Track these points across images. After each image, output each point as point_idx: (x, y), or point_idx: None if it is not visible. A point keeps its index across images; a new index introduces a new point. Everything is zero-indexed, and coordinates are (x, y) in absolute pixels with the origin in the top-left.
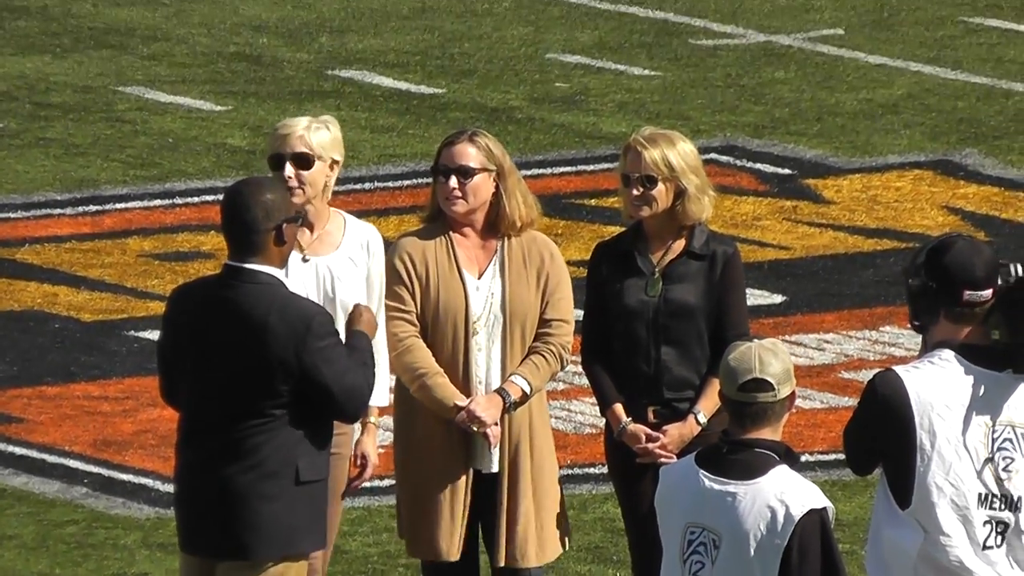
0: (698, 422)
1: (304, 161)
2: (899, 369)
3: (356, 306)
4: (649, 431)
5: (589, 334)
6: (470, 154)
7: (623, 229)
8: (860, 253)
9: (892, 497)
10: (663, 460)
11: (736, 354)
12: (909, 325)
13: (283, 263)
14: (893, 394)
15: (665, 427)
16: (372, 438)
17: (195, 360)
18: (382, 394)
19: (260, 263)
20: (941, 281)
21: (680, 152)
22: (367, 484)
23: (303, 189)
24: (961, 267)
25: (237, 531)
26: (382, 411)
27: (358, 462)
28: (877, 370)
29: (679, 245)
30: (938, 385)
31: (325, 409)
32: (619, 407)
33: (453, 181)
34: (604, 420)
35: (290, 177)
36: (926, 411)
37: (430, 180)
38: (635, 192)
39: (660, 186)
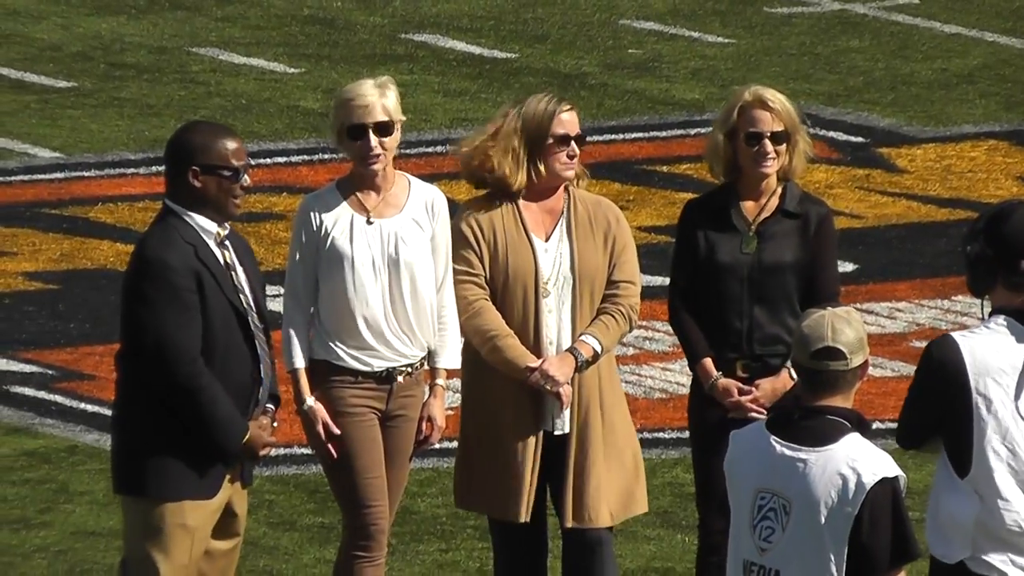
0: (792, 376)
1: (385, 129)
2: (955, 335)
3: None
4: (741, 385)
5: (677, 289)
6: (576, 121)
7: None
8: (933, 223)
9: (951, 466)
10: (754, 415)
11: (809, 322)
12: (969, 291)
13: (211, 210)
14: (949, 359)
15: (757, 381)
16: (440, 401)
17: None
18: (453, 356)
19: (177, 204)
20: (999, 249)
21: (793, 106)
22: (436, 446)
23: (384, 155)
24: (1019, 235)
25: (113, 464)
26: (450, 374)
27: (424, 425)
28: None
29: (773, 203)
30: (993, 350)
31: (142, 356)
32: (709, 361)
33: (575, 148)
34: (687, 380)
35: (375, 147)
36: (981, 375)
37: None
38: (766, 150)
39: (787, 141)
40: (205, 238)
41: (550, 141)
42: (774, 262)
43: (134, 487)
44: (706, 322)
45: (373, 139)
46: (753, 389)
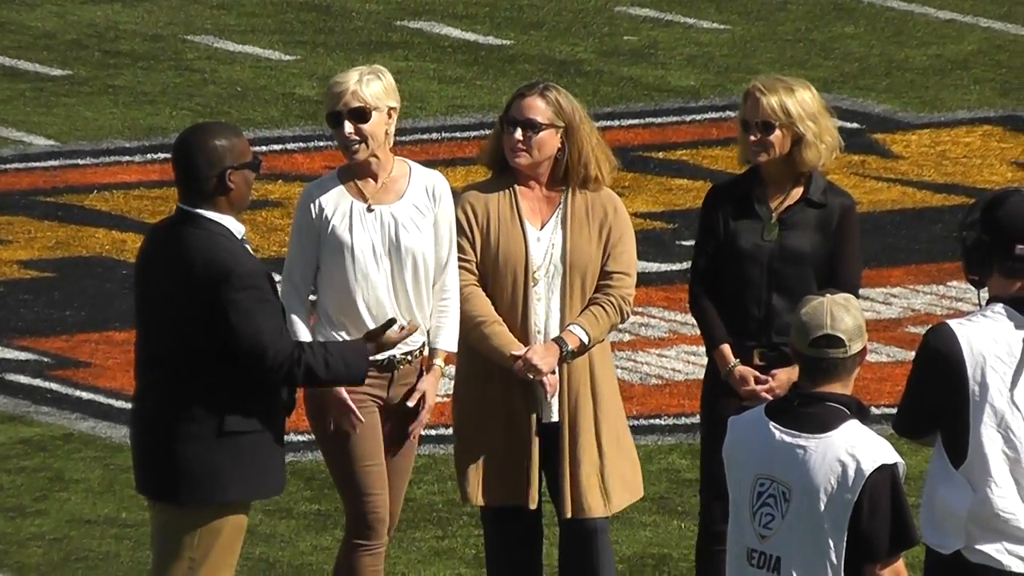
0: None
1: (361, 115)
2: (952, 323)
3: (382, 335)
4: (757, 374)
5: (698, 274)
6: (539, 108)
7: (709, 179)
8: (928, 208)
9: (946, 456)
10: None
11: (808, 309)
12: (965, 279)
13: (234, 208)
14: (946, 348)
15: (774, 371)
16: (435, 379)
17: (136, 297)
18: (452, 339)
19: (206, 209)
20: (994, 235)
21: (799, 99)
22: (431, 432)
23: (365, 143)
24: (1014, 221)
25: (157, 472)
26: (448, 357)
27: (413, 400)
28: None
29: (797, 192)
30: (990, 338)
31: (241, 362)
32: (727, 348)
33: (519, 133)
34: (683, 366)
35: (350, 133)
36: (978, 363)
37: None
38: (752, 138)
39: (777, 132)
40: (242, 240)
41: (505, 123)
42: (795, 251)
43: (194, 494)
44: (725, 308)
45: (347, 126)
46: (770, 379)
